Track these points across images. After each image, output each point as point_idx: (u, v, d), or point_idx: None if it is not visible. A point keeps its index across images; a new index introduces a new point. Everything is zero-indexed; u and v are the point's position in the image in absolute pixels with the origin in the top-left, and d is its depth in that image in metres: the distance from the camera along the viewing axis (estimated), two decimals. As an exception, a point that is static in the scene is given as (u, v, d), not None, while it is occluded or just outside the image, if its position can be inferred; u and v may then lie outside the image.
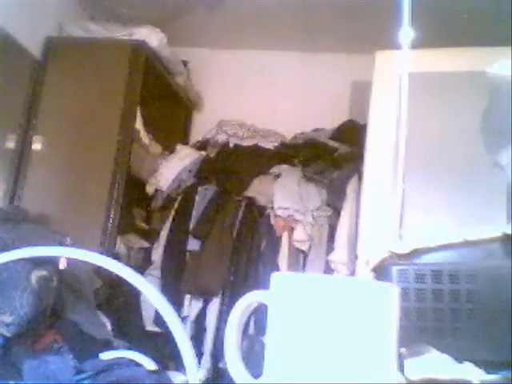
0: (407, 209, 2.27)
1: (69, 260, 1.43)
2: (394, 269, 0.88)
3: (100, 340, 1.58)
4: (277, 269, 2.60)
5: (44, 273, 1.47)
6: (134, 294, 2.49)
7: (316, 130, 3.14)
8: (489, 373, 0.74)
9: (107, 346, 1.54)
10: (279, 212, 2.72)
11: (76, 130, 2.64)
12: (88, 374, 1.23)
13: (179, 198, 2.94)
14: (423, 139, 2.35)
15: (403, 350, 0.72)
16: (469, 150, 2.28)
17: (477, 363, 0.75)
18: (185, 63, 3.25)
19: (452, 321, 0.84)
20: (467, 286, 0.84)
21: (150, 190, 2.95)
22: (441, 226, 2.20)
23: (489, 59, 2.27)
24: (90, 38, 2.79)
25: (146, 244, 2.89)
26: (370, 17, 2.81)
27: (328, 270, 2.55)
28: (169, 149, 3.14)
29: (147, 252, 2.90)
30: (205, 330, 2.68)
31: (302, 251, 2.69)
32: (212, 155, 3.06)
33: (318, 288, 0.58)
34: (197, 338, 2.65)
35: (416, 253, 0.89)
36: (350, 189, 2.64)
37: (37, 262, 1.45)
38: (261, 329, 2.44)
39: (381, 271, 0.92)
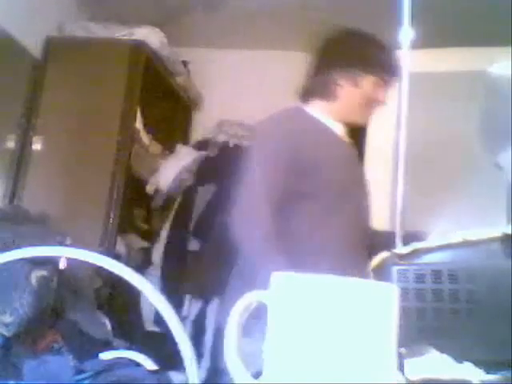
0: (407, 209, 2.27)
1: (69, 260, 1.43)
2: (394, 269, 0.88)
3: (100, 340, 1.58)
4: (277, 269, 2.60)
5: (44, 273, 1.47)
6: (134, 294, 2.49)
7: (316, 130, 3.14)
8: (489, 373, 0.74)
9: (107, 346, 1.54)
10: (279, 212, 2.71)
11: (76, 130, 2.65)
12: (88, 374, 1.22)
13: (179, 198, 2.94)
14: (423, 139, 2.35)
15: (403, 349, 0.72)
16: (468, 150, 2.28)
17: (477, 363, 0.75)
18: (185, 63, 3.25)
19: (452, 321, 0.84)
20: (467, 286, 0.84)
21: (150, 189, 2.95)
22: (441, 227, 2.20)
23: (489, 59, 2.27)
24: (90, 38, 2.79)
25: (145, 244, 2.89)
26: (370, 17, 2.81)
27: (328, 270, 2.54)
28: (169, 149, 3.14)
29: (147, 252, 2.90)
30: (205, 330, 2.68)
31: (302, 251, 2.68)
32: (212, 155, 3.06)
33: (318, 288, 0.58)
34: (197, 338, 2.65)
35: (416, 253, 0.89)
36: (350, 189, 2.63)
37: (37, 262, 1.45)
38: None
39: (381, 271, 0.92)
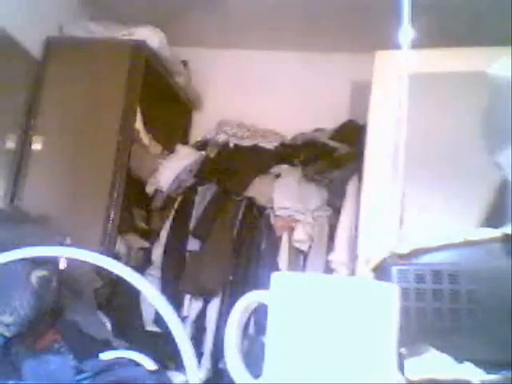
0: (407, 209, 2.27)
1: (69, 260, 1.43)
2: (394, 269, 0.88)
3: (100, 340, 1.59)
4: (277, 269, 2.60)
5: (44, 273, 1.47)
6: (134, 294, 2.49)
7: (316, 130, 3.14)
8: (489, 373, 0.74)
9: (107, 345, 1.54)
10: (279, 212, 2.72)
11: (76, 130, 2.64)
12: (88, 374, 1.23)
13: (179, 198, 2.94)
14: (423, 139, 2.35)
15: (403, 350, 0.72)
16: (468, 150, 2.28)
17: (477, 363, 0.75)
18: (185, 63, 3.25)
19: (452, 321, 0.84)
20: (467, 286, 0.84)
21: (150, 190, 2.95)
22: (441, 226, 2.20)
23: (489, 59, 2.27)
24: (89, 38, 2.79)
25: (146, 244, 2.89)
26: (369, 17, 2.81)
27: (328, 270, 2.55)
28: (169, 149, 3.14)
29: (147, 252, 2.90)
30: (205, 329, 2.68)
31: (302, 251, 2.69)
32: (212, 155, 3.06)
33: (318, 288, 0.58)
34: (197, 338, 2.65)
35: (416, 253, 0.89)
36: (350, 189, 2.64)
37: (37, 262, 1.45)
38: (261, 329, 2.44)
39: (381, 271, 0.92)
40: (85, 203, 2.57)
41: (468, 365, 0.75)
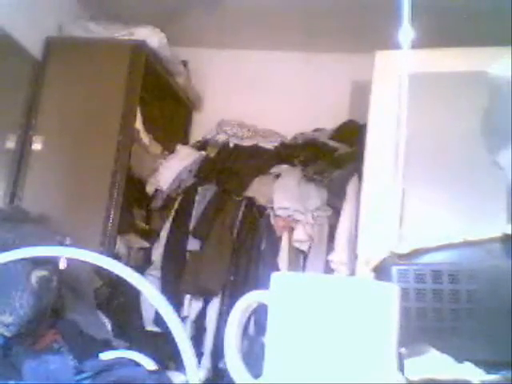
0: (407, 209, 2.27)
1: (69, 260, 1.43)
2: (394, 269, 0.88)
3: (100, 340, 1.59)
4: (277, 269, 2.60)
5: (44, 273, 1.47)
6: (133, 294, 2.49)
7: (316, 130, 3.14)
8: (489, 373, 0.74)
9: (107, 345, 1.54)
10: (279, 212, 2.72)
11: (76, 130, 2.64)
12: (88, 374, 1.23)
13: (179, 198, 2.94)
14: (423, 139, 2.35)
15: (403, 349, 0.72)
16: (469, 150, 2.28)
17: (477, 363, 0.75)
18: (185, 63, 3.25)
19: (452, 321, 0.84)
20: (467, 286, 0.84)
21: (150, 190, 2.95)
22: (441, 226, 2.20)
23: (489, 59, 2.27)
24: (89, 38, 2.79)
25: (146, 244, 2.89)
26: (369, 17, 2.81)
27: (328, 270, 2.55)
28: (169, 149, 3.14)
29: (147, 252, 2.90)
30: (205, 329, 2.68)
31: (302, 251, 2.69)
32: (212, 155, 3.06)
33: (318, 288, 0.58)
34: (197, 338, 2.65)
35: (416, 253, 0.89)
36: (350, 189, 2.64)
37: (37, 262, 1.45)
38: (261, 329, 2.44)
39: (381, 271, 0.92)
40: (85, 203, 2.57)
41: (468, 365, 0.75)
